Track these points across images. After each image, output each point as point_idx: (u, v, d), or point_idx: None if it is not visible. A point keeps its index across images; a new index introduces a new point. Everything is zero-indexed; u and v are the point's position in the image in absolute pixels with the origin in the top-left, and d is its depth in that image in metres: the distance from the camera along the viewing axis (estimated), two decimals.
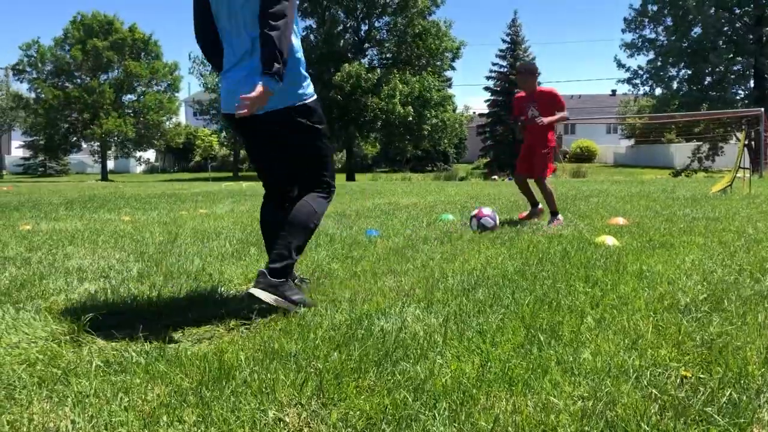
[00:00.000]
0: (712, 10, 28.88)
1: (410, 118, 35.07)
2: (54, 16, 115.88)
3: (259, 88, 2.61)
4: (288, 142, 2.99)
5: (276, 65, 2.64)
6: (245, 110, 2.60)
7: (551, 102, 6.26)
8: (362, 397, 1.85)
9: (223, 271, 3.83)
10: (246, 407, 1.77)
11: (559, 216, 6.30)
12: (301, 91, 2.94)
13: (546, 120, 6.11)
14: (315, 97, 3.03)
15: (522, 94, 6.44)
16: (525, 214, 6.74)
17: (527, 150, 6.42)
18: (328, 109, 35.03)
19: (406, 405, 1.78)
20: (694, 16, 29.70)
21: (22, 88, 48.10)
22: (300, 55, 2.96)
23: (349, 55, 36.71)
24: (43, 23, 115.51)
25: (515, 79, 6.86)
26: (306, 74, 3.00)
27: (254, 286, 2.79)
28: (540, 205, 6.62)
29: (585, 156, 46.51)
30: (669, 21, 31.86)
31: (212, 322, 2.77)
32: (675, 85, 32.37)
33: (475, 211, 5.93)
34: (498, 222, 5.89)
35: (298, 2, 3.01)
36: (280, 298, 2.79)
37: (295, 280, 3.22)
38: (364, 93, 34.32)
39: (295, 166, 3.06)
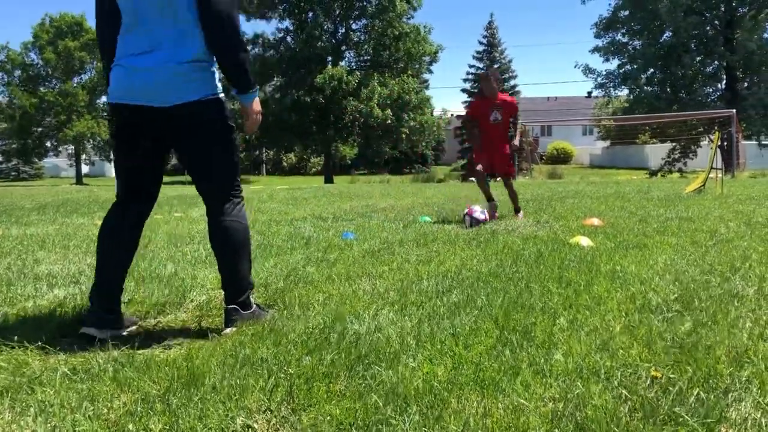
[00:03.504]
0: (682, 15, 29.22)
1: (388, 121, 35.11)
2: (19, 19, 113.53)
3: (256, 107, 2.72)
4: (203, 142, 2.65)
5: (250, 75, 2.66)
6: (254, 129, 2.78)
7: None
8: (333, 402, 1.83)
9: (196, 276, 3.78)
10: (214, 414, 1.75)
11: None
12: (216, 82, 2.67)
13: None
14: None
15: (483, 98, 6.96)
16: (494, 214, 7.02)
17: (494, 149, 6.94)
18: (306, 112, 34.93)
19: (377, 409, 1.77)
20: (664, 21, 30.05)
21: None
22: None
23: (329, 57, 36.62)
24: (8, 27, 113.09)
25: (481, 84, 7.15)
26: None
27: (231, 326, 2.66)
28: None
29: (561, 157, 46.88)
30: (639, 26, 32.15)
31: (184, 328, 2.74)
32: (647, 88, 32.67)
33: (466, 210, 6.44)
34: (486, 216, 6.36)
35: None
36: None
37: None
38: (344, 96, 34.26)
39: (212, 169, 2.72)
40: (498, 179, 7.31)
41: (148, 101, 2.56)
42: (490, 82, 6.82)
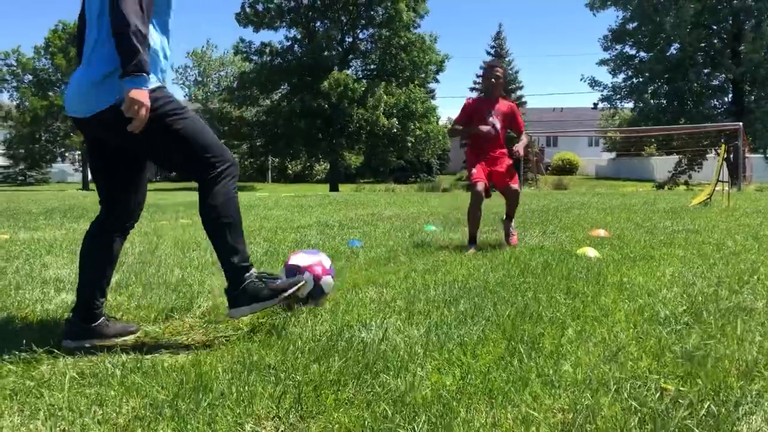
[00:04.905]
0: (689, 29, 29.20)
1: (394, 130, 35.21)
2: (34, 24, 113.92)
3: (132, 95, 2.30)
4: (141, 137, 2.42)
5: (135, 58, 2.28)
6: (137, 126, 2.36)
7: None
8: (341, 410, 1.83)
9: (204, 282, 3.78)
10: (222, 420, 1.74)
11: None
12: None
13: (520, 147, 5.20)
14: (156, 84, 2.48)
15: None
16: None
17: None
18: (312, 119, 35.03)
19: (385, 418, 1.76)
20: (669, 35, 30.03)
21: (3, 97, 47.41)
22: (158, 47, 2.54)
23: (336, 66, 36.76)
24: (23, 31, 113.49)
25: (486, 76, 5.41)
26: (158, 67, 2.55)
27: (231, 307, 2.63)
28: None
29: (567, 168, 46.85)
30: (646, 38, 32.13)
31: (191, 333, 2.74)
32: (652, 101, 32.61)
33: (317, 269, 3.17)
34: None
35: None
36: (258, 304, 2.60)
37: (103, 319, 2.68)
38: (350, 103, 34.37)
39: (170, 158, 2.59)
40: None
41: (75, 113, 2.52)
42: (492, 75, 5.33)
